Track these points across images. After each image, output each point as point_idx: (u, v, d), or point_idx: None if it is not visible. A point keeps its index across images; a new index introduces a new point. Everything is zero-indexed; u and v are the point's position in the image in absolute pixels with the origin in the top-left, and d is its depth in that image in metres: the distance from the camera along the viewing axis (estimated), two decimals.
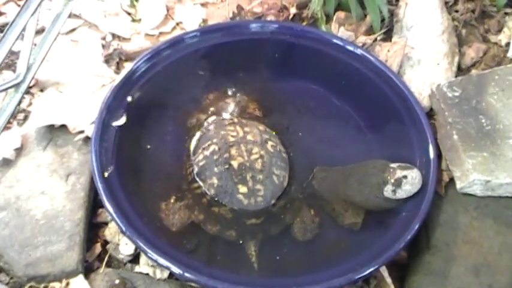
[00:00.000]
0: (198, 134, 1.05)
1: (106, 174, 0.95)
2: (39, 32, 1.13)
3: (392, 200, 0.97)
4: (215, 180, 0.97)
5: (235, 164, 0.97)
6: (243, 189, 0.96)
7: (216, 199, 0.97)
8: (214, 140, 1.00)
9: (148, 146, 1.06)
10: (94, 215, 1.02)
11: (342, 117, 1.15)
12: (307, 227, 0.98)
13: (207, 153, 1.00)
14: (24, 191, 1.00)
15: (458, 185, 1.01)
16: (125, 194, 0.94)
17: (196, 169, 1.00)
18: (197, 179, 0.99)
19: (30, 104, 1.14)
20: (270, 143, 1.01)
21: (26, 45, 1.06)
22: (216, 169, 0.97)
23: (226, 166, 0.97)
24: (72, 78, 1.17)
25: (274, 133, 1.06)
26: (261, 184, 0.96)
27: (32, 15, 1.05)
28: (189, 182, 1.00)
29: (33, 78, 1.08)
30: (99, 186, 0.93)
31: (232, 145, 0.99)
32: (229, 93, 1.15)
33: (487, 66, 1.22)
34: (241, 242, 0.96)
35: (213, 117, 1.09)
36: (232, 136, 1.01)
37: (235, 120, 1.06)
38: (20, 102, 1.06)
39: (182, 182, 1.01)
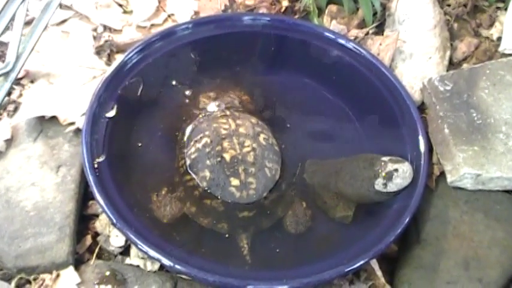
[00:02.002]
0: (190, 127, 1.05)
1: (97, 166, 0.94)
2: (29, 22, 1.12)
3: (383, 193, 0.97)
4: (207, 173, 0.97)
5: (227, 156, 0.97)
6: (235, 182, 0.96)
7: (208, 192, 0.96)
8: (207, 133, 1.00)
9: (140, 138, 1.06)
10: (85, 206, 1.02)
11: (333, 110, 1.15)
12: (299, 220, 0.98)
13: (199, 145, 0.99)
14: (14, 182, 1.00)
15: (449, 178, 1.01)
16: (115, 185, 0.94)
17: (188, 162, 0.99)
18: (189, 172, 0.99)
19: (21, 95, 1.13)
20: (262, 135, 1.01)
21: (15, 35, 1.05)
22: (208, 162, 0.97)
23: (219, 159, 0.96)
24: (63, 70, 1.16)
25: (266, 126, 1.05)
26: (253, 177, 0.96)
27: (21, 3, 1.04)
28: (181, 175, 1.00)
29: (22, 67, 1.07)
30: (90, 178, 0.92)
31: (225, 138, 0.99)
32: (222, 85, 1.14)
33: (479, 60, 1.22)
34: (233, 234, 0.96)
35: (205, 110, 1.09)
36: (224, 129, 1.00)
37: (228, 112, 1.06)
38: (9, 91, 1.05)
39: (174, 175, 1.01)
